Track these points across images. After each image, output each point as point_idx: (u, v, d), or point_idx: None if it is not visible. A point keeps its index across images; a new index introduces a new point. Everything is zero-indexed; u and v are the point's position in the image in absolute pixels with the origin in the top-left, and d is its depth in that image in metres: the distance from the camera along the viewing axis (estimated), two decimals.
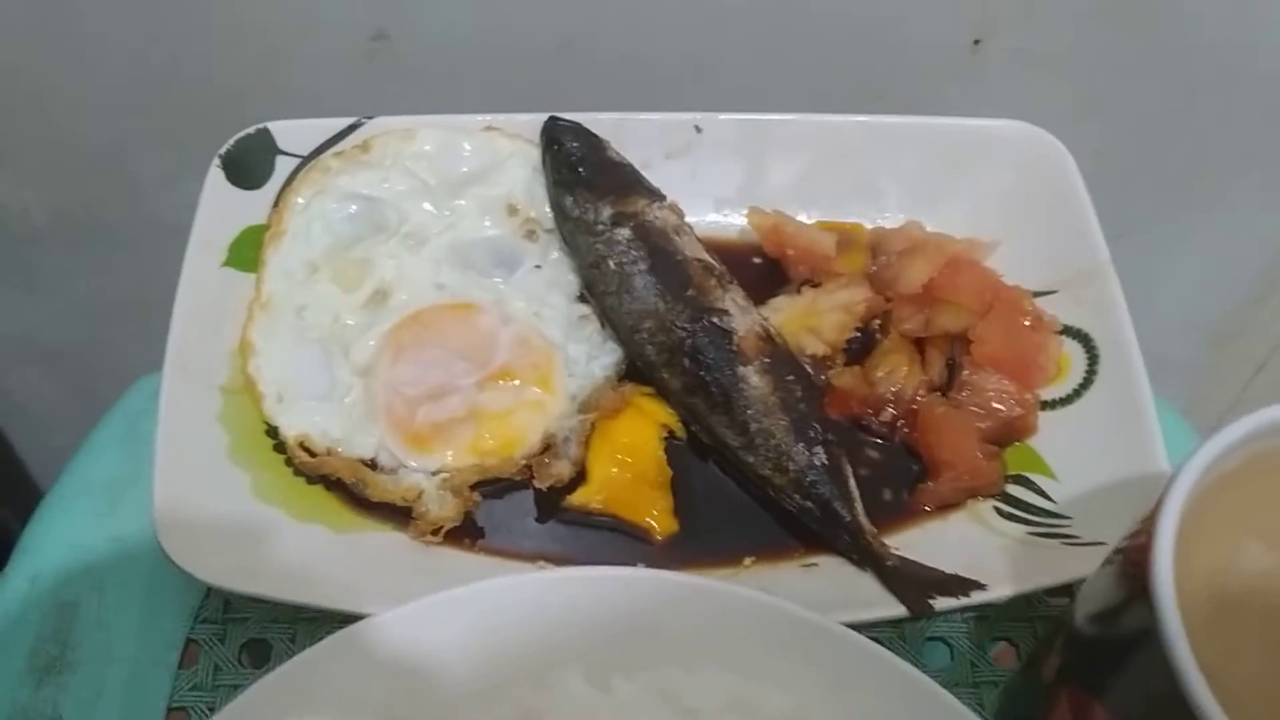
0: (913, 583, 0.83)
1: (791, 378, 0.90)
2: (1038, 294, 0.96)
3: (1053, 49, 1.29)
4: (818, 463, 0.87)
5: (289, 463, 0.90)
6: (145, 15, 1.27)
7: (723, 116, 1.02)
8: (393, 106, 1.07)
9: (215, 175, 0.97)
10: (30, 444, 1.86)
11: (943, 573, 0.83)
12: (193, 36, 1.30)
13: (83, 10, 1.26)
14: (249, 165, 0.98)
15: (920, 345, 0.96)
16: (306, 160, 1.00)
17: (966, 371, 0.92)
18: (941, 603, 0.81)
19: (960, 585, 0.81)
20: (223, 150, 0.97)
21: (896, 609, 0.81)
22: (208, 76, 1.33)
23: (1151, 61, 1.30)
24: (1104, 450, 0.88)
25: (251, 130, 0.99)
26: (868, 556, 0.85)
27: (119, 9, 1.26)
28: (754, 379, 0.89)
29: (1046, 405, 0.93)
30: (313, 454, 0.89)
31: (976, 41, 1.31)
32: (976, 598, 0.81)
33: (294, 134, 1.00)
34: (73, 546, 0.90)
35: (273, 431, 0.91)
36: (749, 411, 0.88)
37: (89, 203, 1.52)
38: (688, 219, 0.98)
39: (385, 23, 1.30)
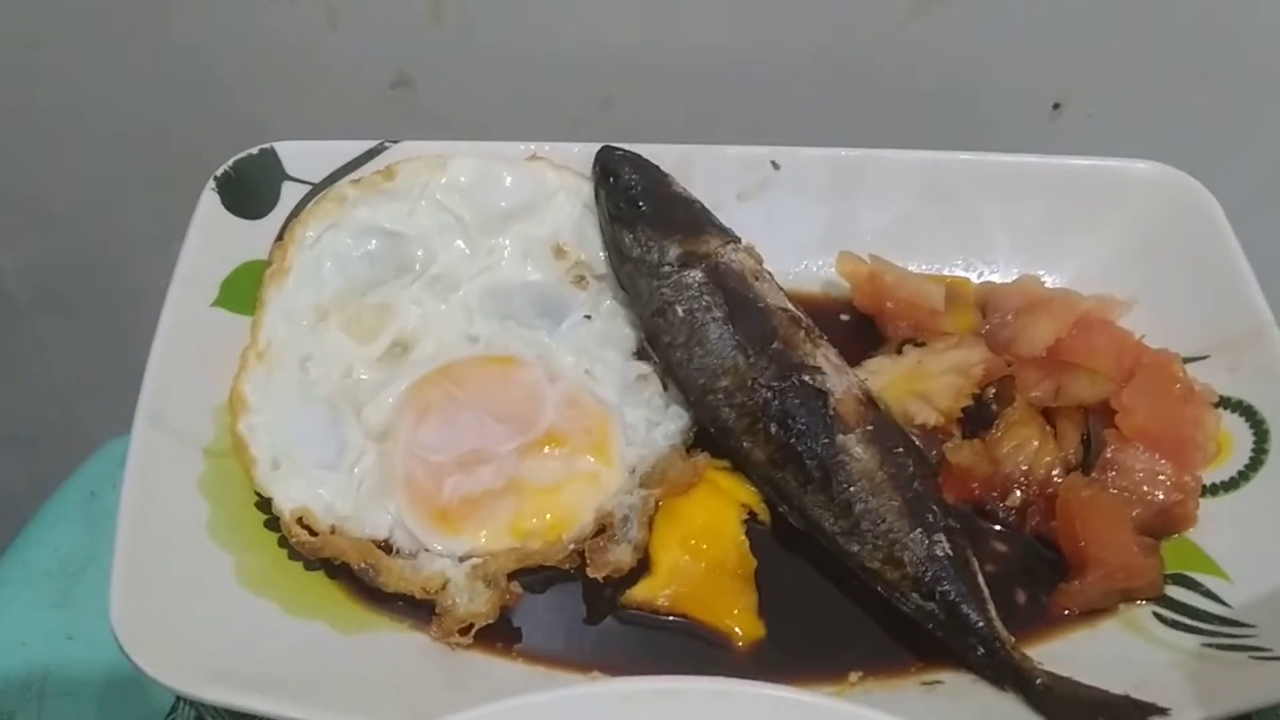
0: (1072, 707, 0.66)
1: (900, 450, 0.74)
2: (1185, 360, 0.81)
3: (1140, 110, 1.17)
4: (940, 553, 0.71)
5: (284, 543, 0.74)
6: (137, 61, 1.14)
7: (805, 151, 0.89)
8: None
9: (210, 200, 0.83)
10: None
11: (1110, 694, 0.66)
12: (191, 84, 1.18)
13: (68, 57, 1.14)
14: (250, 191, 0.84)
15: (1048, 417, 0.80)
16: (319, 188, 0.86)
17: (1112, 448, 0.76)
18: None
19: (1136, 710, 0.64)
20: (219, 172, 0.83)
21: None
22: (206, 128, 1.20)
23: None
24: None
25: (254, 151, 0.85)
26: (1009, 673, 0.68)
27: (104, 57, 1.14)
28: (857, 450, 0.73)
29: (1206, 491, 0.77)
30: (313, 532, 0.73)
31: (1056, 106, 1.19)
32: None
33: (304, 157, 0.86)
34: (10, 644, 0.73)
35: (265, 504, 0.75)
36: (851, 489, 0.72)
37: (66, 266, 1.37)
38: None
39: (406, 66, 1.17)
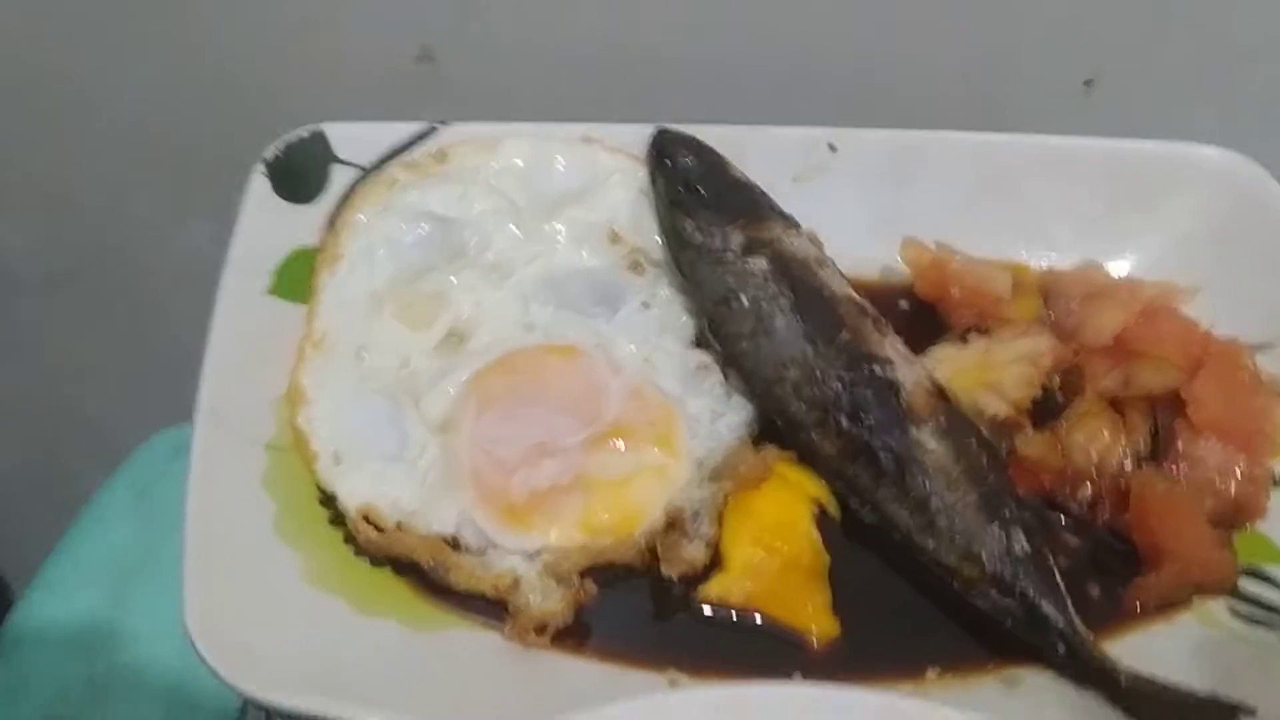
0: (1159, 707, 0.65)
1: (973, 442, 0.73)
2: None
3: (1175, 87, 1.15)
4: (1018, 550, 0.70)
5: (349, 540, 0.72)
6: (146, 36, 1.11)
7: (864, 133, 0.86)
8: None
9: (259, 185, 0.80)
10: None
11: (1197, 693, 0.65)
12: (203, 58, 1.14)
13: (79, 33, 1.10)
14: (300, 175, 0.82)
15: (1114, 407, 0.79)
16: (369, 171, 0.83)
17: (1183, 439, 0.75)
18: None
19: (1225, 710, 0.64)
20: (269, 155, 0.81)
21: None
22: (219, 104, 1.16)
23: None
24: None
25: (304, 133, 0.83)
26: (1092, 671, 0.68)
27: (111, 33, 1.10)
28: (930, 443, 0.72)
29: (1276, 482, 0.77)
30: (380, 529, 0.71)
31: (1088, 82, 1.17)
32: None
33: (354, 140, 0.84)
34: (65, 645, 0.71)
35: (329, 500, 0.73)
36: (927, 484, 0.71)
37: (79, 246, 1.34)
38: None
39: (430, 40, 1.14)
